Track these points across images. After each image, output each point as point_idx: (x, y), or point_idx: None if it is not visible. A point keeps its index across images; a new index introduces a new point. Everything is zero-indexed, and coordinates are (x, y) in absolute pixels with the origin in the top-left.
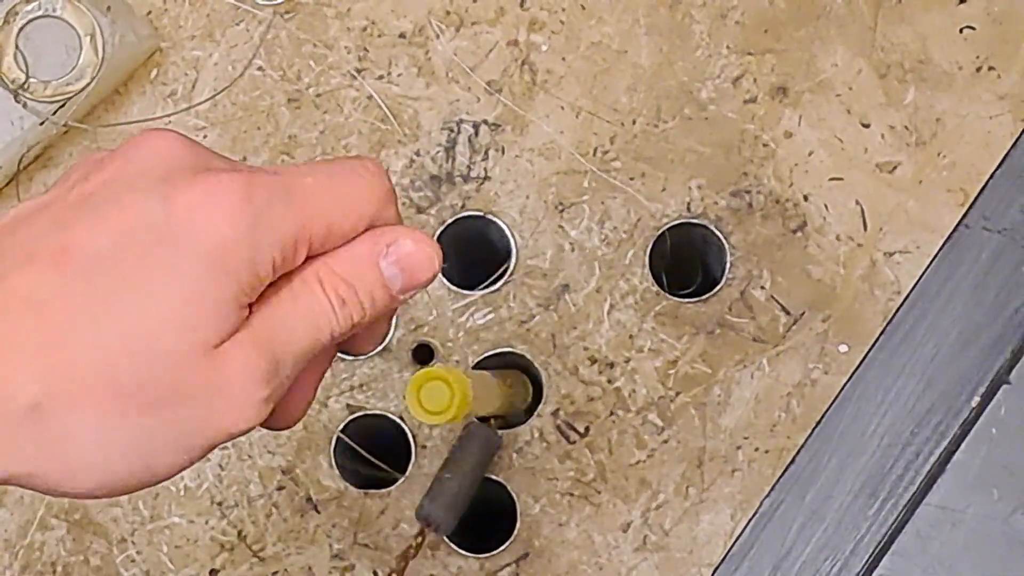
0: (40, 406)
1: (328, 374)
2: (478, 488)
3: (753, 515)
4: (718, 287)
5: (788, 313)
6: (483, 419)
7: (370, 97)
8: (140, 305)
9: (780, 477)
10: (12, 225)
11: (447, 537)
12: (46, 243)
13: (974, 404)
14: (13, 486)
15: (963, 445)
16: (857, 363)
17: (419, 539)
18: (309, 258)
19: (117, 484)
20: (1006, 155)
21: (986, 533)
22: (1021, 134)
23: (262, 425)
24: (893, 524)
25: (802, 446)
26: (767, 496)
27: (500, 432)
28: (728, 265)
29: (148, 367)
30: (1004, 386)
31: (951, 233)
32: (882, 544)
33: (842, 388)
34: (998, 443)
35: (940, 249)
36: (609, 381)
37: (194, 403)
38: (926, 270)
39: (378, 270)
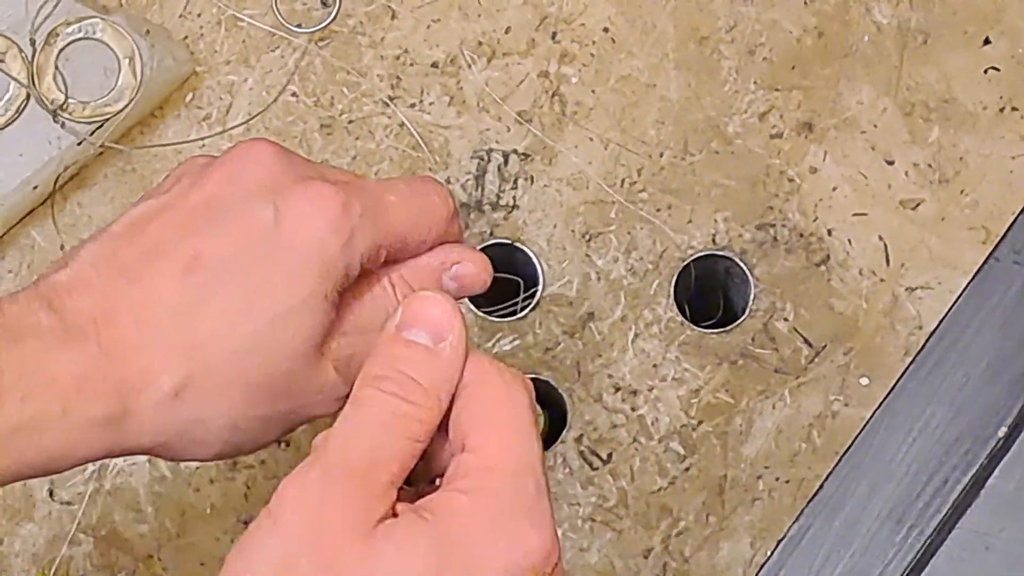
0: (182, 392)
1: None
2: None
3: (780, 540)
4: (742, 318)
5: (810, 345)
6: None
7: (402, 125)
8: (265, 309)
9: (808, 502)
10: (139, 224)
11: None
12: (178, 248)
13: (1001, 434)
14: (149, 455)
15: (997, 470)
16: (884, 395)
17: None
18: (385, 262)
19: (228, 454)
20: None
21: (1019, 556)
22: None
23: None
24: (919, 551)
25: (831, 472)
26: (795, 521)
27: None
28: (752, 297)
29: (274, 365)
30: None
31: (981, 266)
32: (909, 570)
33: (871, 415)
34: None
35: (970, 281)
36: (632, 409)
37: (302, 397)
38: (955, 302)
39: (439, 282)
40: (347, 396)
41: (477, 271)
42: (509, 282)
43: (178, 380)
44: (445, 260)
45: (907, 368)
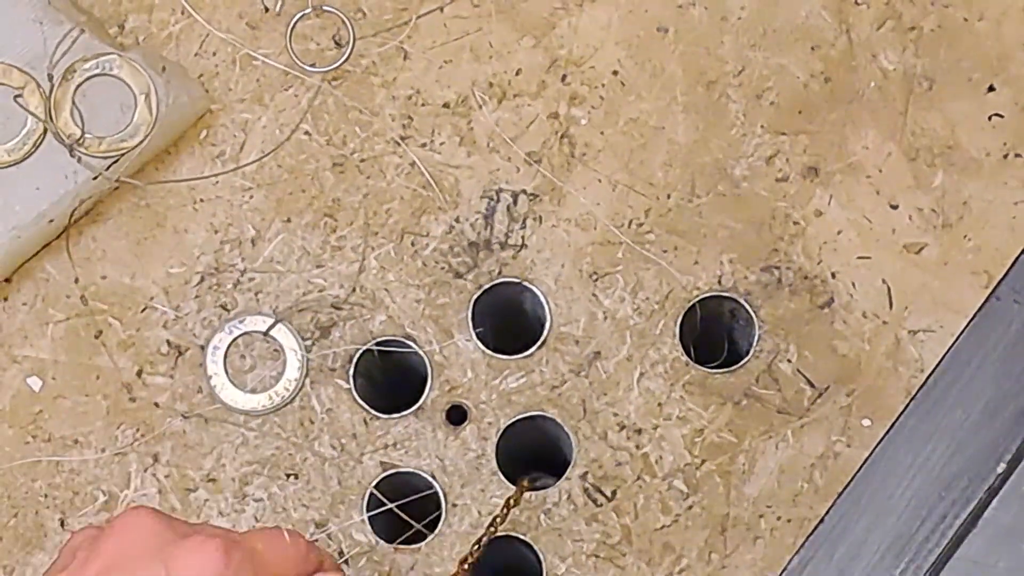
0: None
1: (364, 432)
2: (505, 549)
3: (781, 572)
4: (746, 359)
5: (813, 386)
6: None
7: (413, 164)
8: None
9: (809, 535)
10: None
11: None
12: None
13: (1000, 470)
14: None
15: (995, 501)
16: (883, 432)
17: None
18: None
19: None
20: None
21: None
22: None
23: None
24: None
25: (831, 506)
26: (796, 553)
27: (530, 494)
28: (756, 338)
29: None
30: None
31: (982, 305)
32: None
33: (872, 451)
34: None
35: (971, 320)
36: (637, 447)
37: None
38: (956, 340)
39: None
40: None
41: None
42: (515, 322)
43: None
44: None
45: (908, 404)
